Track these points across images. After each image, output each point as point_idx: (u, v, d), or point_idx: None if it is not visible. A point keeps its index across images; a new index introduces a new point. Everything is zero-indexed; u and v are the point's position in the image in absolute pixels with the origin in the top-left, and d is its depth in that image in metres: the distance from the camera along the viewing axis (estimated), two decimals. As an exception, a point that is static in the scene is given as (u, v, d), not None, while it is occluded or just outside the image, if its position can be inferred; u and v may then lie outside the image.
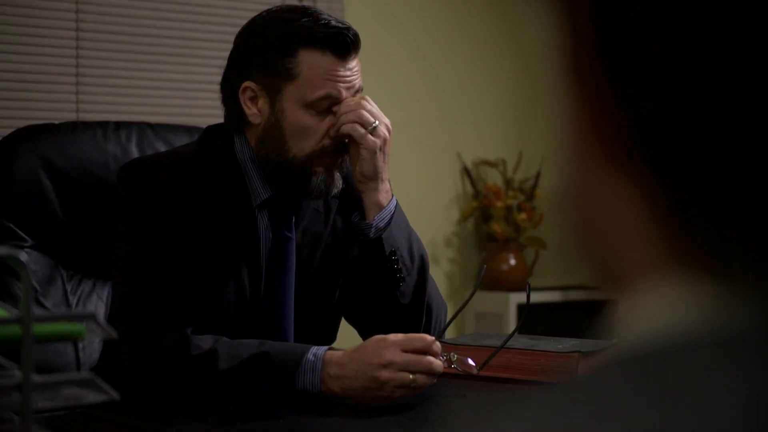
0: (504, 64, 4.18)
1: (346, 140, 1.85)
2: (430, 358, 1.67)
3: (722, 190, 0.48)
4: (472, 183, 4.10)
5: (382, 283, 1.91)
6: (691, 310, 0.48)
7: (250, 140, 1.86)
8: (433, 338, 1.70)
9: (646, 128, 0.49)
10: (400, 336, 1.69)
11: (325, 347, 1.72)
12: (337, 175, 1.85)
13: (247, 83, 1.83)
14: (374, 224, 1.88)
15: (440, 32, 4.07)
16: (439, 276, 4.01)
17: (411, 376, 1.65)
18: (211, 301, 1.82)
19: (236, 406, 1.69)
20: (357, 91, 1.85)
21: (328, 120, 1.82)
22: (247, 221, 1.86)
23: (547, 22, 0.53)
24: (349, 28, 1.82)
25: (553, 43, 0.53)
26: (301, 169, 1.82)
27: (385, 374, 1.65)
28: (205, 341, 1.73)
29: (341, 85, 1.81)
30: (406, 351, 1.67)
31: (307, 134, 1.81)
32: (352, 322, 2.03)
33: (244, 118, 1.85)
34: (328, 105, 1.81)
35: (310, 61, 1.79)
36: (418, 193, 3.97)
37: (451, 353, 1.80)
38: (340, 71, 1.81)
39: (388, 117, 1.89)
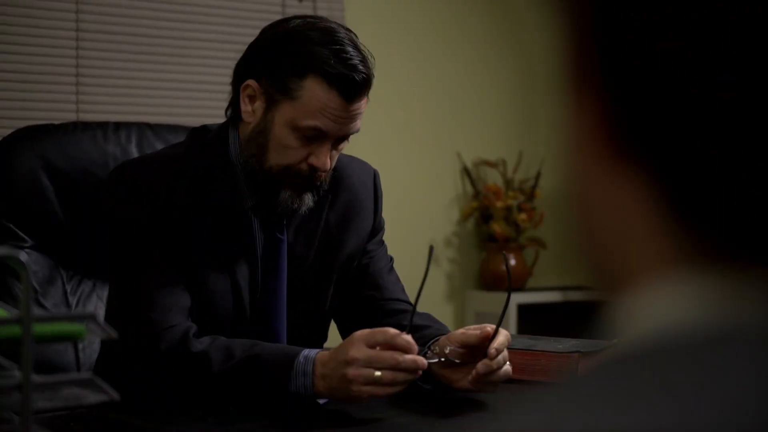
0: (504, 64, 4.18)
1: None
2: (395, 354, 1.63)
3: (723, 188, 0.48)
4: (472, 183, 4.10)
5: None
6: (696, 307, 0.48)
7: (240, 137, 1.86)
8: (397, 332, 1.64)
9: (648, 128, 0.49)
10: (365, 331, 1.65)
11: (317, 350, 1.71)
12: (308, 196, 1.84)
13: (250, 81, 1.82)
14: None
15: (440, 32, 4.07)
16: (439, 276, 4.02)
17: (376, 373, 1.61)
18: (207, 301, 1.82)
19: (235, 406, 1.69)
20: (350, 133, 1.83)
21: (311, 148, 1.80)
22: (242, 223, 1.86)
23: (548, 22, 0.53)
24: (362, 71, 1.78)
25: (554, 44, 0.53)
26: (274, 180, 1.82)
27: (351, 372, 1.62)
28: (201, 342, 1.73)
29: (335, 124, 1.79)
30: (370, 346, 1.64)
31: (287, 153, 1.80)
32: (336, 319, 2.02)
33: (239, 111, 1.85)
34: (315, 135, 1.79)
35: (314, 91, 1.77)
36: (418, 193, 3.98)
37: (445, 346, 1.76)
38: (339, 111, 1.78)
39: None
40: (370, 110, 1.85)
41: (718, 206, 0.48)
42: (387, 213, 2.08)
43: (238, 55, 1.88)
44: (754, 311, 0.48)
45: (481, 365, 1.72)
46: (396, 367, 1.62)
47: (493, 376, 1.73)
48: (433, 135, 4.05)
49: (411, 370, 1.64)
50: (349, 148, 1.89)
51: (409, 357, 1.63)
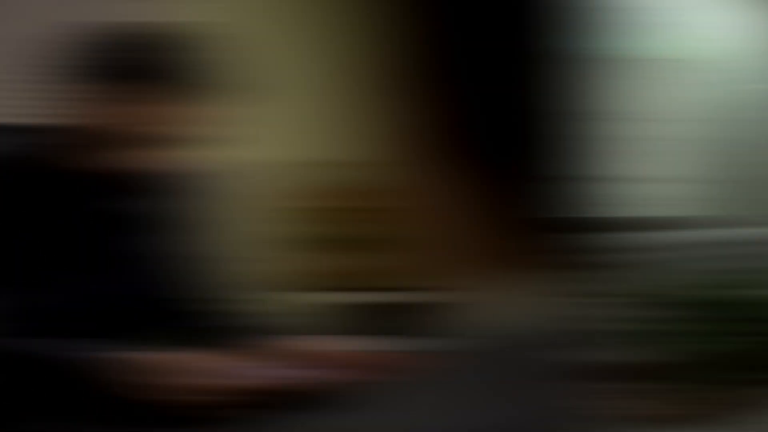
0: (348, 65, 4.21)
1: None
2: (212, 383, 1.68)
3: (553, 192, 0.47)
4: (309, 183, 4.15)
5: None
6: (523, 308, 0.49)
7: (63, 139, 1.85)
8: (192, 356, 1.70)
9: (486, 131, 0.46)
10: (169, 356, 1.71)
11: (135, 353, 1.72)
12: (136, 197, 1.88)
13: (81, 84, 1.82)
14: None
15: (281, 32, 4.13)
16: (268, 276, 4.00)
17: (186, 396, 1.67)
18: (44, 305, 1.81)
19: (54, 408, 1.71)
20: (178, 139, 1.83)
21: (135, 151, 1.80)
22: (74, 229, 1.86)
23: (384, 33, 0.48)
24: (189, 78, 1.81)
25: (388, 52, 0.48)
26: (100, 182, 1.84)
27: (165, 397, 1.68)
28: (18, 343, 1.74)
29: (160, 126, 1.79)
30: (174, 370, 1.68)
31: (109, 156, 1.81)
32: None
33: (69, 113, 1.83)
34: (136, 138, 1.80)
35: (136, 95, 1.79)
36: (251, 190, 4.00)
37: (264, 366, 1.79)
38: (165, 115, 1.79)
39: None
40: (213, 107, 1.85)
41: (547, 209, 0.46)
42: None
43: (44, 54, 1.86)
44: (571, 315, 0.49)
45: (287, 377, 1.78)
46: (199, 392, 1.68)
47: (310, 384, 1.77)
48: (273, 133, 4.06)
49: (226, 396, 1.69)
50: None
51: (226, 386, 1.68)
